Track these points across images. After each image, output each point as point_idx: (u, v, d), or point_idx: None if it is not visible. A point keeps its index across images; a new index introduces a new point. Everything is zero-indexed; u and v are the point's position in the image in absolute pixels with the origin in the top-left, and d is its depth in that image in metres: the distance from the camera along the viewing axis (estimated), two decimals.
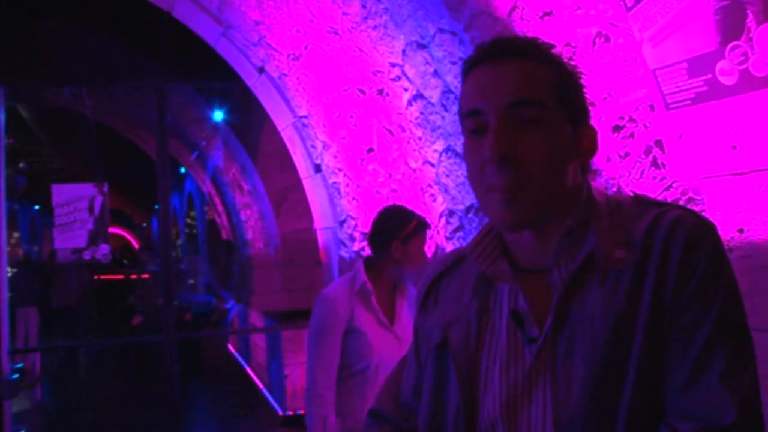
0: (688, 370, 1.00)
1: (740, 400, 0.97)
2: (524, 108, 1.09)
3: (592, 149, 1.17)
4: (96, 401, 9.18)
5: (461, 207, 3.72)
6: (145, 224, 30.41)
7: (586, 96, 1.19)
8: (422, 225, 3.01)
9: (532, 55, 1.13)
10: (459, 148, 3.57)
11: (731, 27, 1.83)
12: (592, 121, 2.47)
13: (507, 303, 1.15)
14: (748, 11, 1.77)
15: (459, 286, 1.24)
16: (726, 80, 1.90)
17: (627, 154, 2.40)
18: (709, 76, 1.94)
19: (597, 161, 2.55)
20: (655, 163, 2.30)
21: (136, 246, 29.16)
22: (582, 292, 1.07)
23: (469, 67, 1.16)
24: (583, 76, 1.18)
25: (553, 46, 1.15)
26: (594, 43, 2.40)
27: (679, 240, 1.04)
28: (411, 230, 2.94)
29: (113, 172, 14.41)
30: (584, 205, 1.13)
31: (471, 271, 1.22)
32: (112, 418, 8.40)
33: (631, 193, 1.19)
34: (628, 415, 1.00)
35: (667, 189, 2.28)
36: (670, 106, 2.09)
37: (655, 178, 2.31)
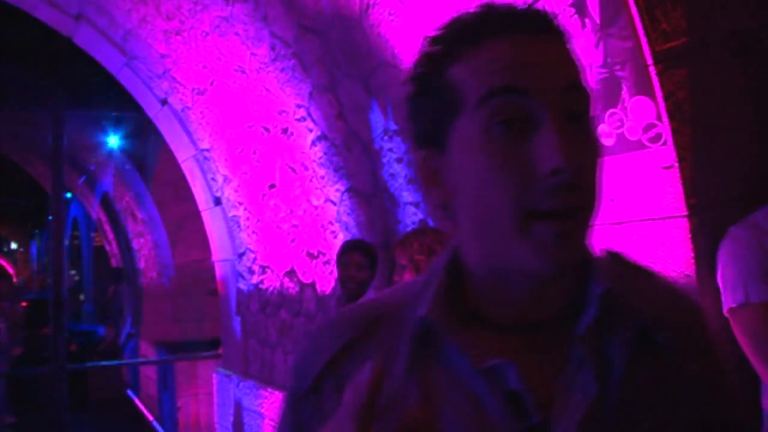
0: None
1: None
2: (580, 94, 0.79)
3: None
4: None
5: None
6: (22, 249, 29.08)
7: None
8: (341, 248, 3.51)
9: (567, 40, 0.83)
10: (362, 188, 3.75)
11: (610, 96, 2.10)
12: None
13: (469, 375, 0.80)
14: (623, 85, 2.05)
15: (382, 358, 0.79)
16: (606, 141, 2.16)
17: None
18: None
19: None
20: None
21: (11, 271, 27.81)
22: (629, 382, 0.80)
23: (481, 35, 0.80)
24: None
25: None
26: None
27: (704, 335, 0.89)
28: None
29: None
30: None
31: (400, 331, 0.85)
32: None
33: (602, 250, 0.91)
34: None
35: None
36: None
37: None
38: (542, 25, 0.79)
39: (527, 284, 0.81)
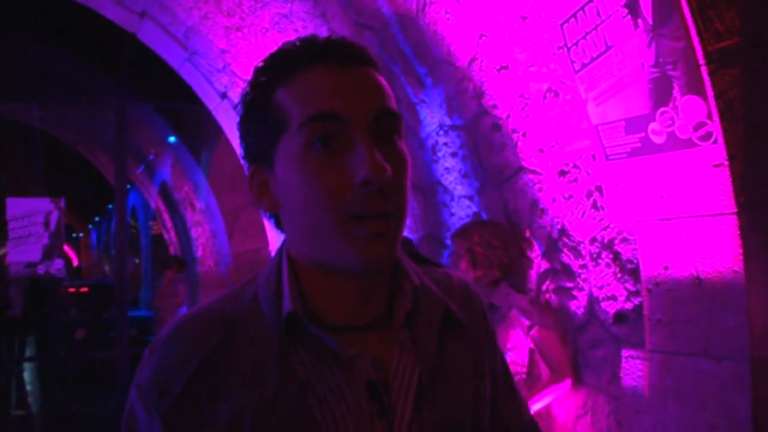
0: (517, 398, 1.15)
1: None
2: (390, 119, 0.91)
3: None
4: (45, 415, 9.11)
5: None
6: (82, 234, 29.89)
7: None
8: None
9: (377, 66, 0.97)
10: (417, 181, 3.84)
11: (661, 95, 2.15)
12: (542, 166, 2.79)
13: (327, 366, 0.91)
14: (674, 84, 2.10)
15: (248, 359, 0.91)
16: (656, 139, 2.21)
17: (570, 197, 2.71)
18: (643, 134, 2.25)
19: (544, 201, 2.85)
20: (595, 205, 2.61)
21: (74, 257, 28.65)
22: (445, 355, 0.99)
23: (301, 64, 0.91)
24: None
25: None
26: (544, 97, 2.70)
27: (481, 303, 1.11)
28: None
29: (55, 181, 14.29)
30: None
31: (262, 330, 0.92)
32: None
33: None
34: None
35: (605, 229, 2.59)
36: (610, 157, 2.40)
37: (594, 218, 2.62)
38: (355, 56, 0.92)
39: (353, 284, 0.93)
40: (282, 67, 0.92)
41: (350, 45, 0.93)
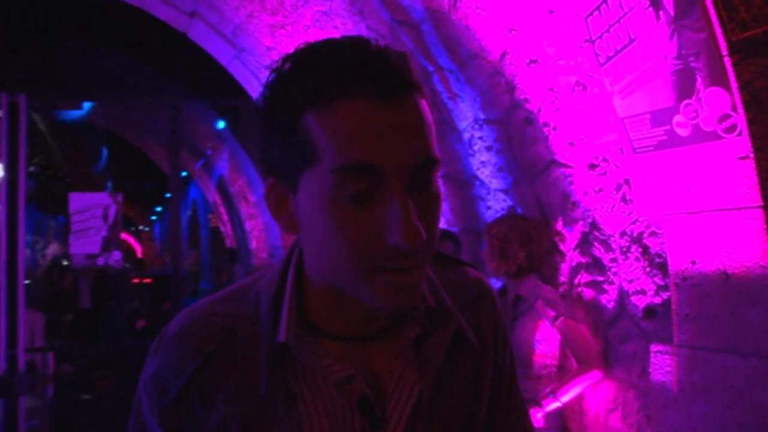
0: (519, 404, 1.11)
1: None
2: (430, 165, 0.83)
3: None
4: (102, 402, 9.44)
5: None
6: (147, 228, 30.65)
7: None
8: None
9: (421, 88, 0.84)
10: (455, 175, 3.85)
11: (684, 88, 2.13)
12: (573, 160, 2.78)
13: (322, 382, 0.91)
14: (698, 76, 2.07)
15: (240, 370, 0.91)
16: (681, 132, 2.19)
17: (600, 190, 2.70)
18: (668, 127, 2.23)
19: (575, 194, 2.84)
20: (624, 199, 2.60)
21: (138, 249, 29.41)
22: (449, 372, 0.98)
23: (336, 89, 0.79)
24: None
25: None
26: (573, 90, 2.69)
27: (493, 301, 1.08)
28: None
29: (118, 176, 14.72)
30: None
31: (255, 346, 0.91)
32: (119, 418, 8.63)
33: None
34: None
35: (634, 222, 2.57)
36: (637, 151, 2.38)
37: (624, 212, 2.61)
38: (399, 83, 0.80)
39: (363, 308, 0.89)
40: (314, 85, 0.79)
41: (394, 68, 0.80)
